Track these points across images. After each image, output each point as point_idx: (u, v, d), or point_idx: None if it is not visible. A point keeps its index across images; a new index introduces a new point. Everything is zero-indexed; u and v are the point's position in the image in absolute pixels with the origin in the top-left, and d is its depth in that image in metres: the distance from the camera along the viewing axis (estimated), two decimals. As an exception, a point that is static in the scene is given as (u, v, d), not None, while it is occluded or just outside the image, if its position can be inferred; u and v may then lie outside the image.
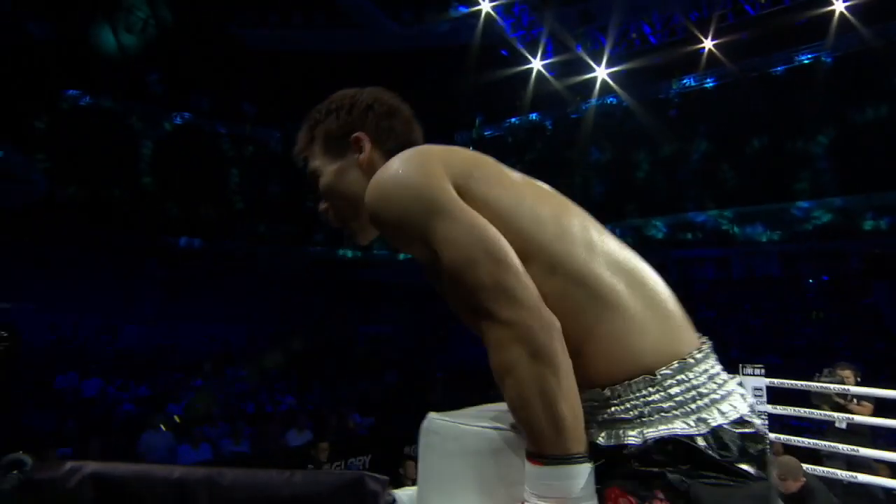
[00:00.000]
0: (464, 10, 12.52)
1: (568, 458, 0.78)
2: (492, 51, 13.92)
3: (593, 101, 15.78)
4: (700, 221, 17.25)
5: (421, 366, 13.45)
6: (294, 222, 19.75)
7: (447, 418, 1.00)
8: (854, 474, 3.49)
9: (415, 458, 6.09)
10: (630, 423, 0.85)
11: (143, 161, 16.00)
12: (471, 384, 11.22)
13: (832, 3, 11.73)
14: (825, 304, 15.51)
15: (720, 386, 0.87)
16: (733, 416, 0.84)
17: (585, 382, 0.86)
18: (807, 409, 3.93)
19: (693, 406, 0.84)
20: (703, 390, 0.86)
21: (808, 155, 15.14)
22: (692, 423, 0.82)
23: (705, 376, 0.87)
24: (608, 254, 0.93)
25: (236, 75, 16.72)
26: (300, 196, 20.37)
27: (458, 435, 0.96)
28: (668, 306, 0.93)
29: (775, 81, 15.18)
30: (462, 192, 0.88)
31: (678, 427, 0.82)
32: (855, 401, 3.96)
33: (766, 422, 3.64)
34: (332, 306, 17.62)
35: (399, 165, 0.89)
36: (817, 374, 4.35)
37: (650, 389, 0.85)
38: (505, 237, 0.85)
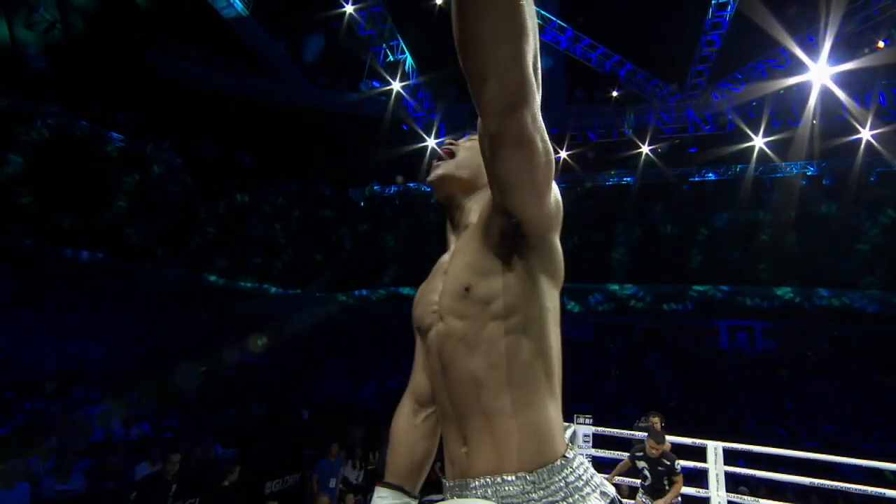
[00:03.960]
0: (376, 86, 12.68)
1: None
2: (394, 124, 14.21)
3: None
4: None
5: (289, 400, 12.18)
6: (179, 245, 17.51)
7: None
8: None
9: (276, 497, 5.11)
10: None
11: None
12: (334, 423, 10.41)
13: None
14: (619, 365, 17.57)
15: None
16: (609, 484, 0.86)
17: (508, 463, 0.81)
18: (621, 453, 4.26)
19: (595, 481, 0.83)
20: (588, 464, 0.86)
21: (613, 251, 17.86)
22: (599, 498, 0.81)
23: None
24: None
25: (146, 96, 14.85)
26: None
27: None
28: None
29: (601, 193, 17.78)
30: None
31: None
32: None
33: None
34: (207, 332, 15.48)
35: None
36: (637, 421, 4.77)
37: (566, 471, 0.81)
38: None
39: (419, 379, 1.11)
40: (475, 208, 1.03)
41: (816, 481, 2.80)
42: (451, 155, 1.08)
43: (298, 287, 21.66)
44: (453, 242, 1.05)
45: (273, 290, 21.38)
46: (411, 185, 19.22)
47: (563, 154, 14.15)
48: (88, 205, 14.71)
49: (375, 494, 1.04)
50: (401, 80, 12.41)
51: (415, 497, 1.04)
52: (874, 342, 16.49)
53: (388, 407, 14.35)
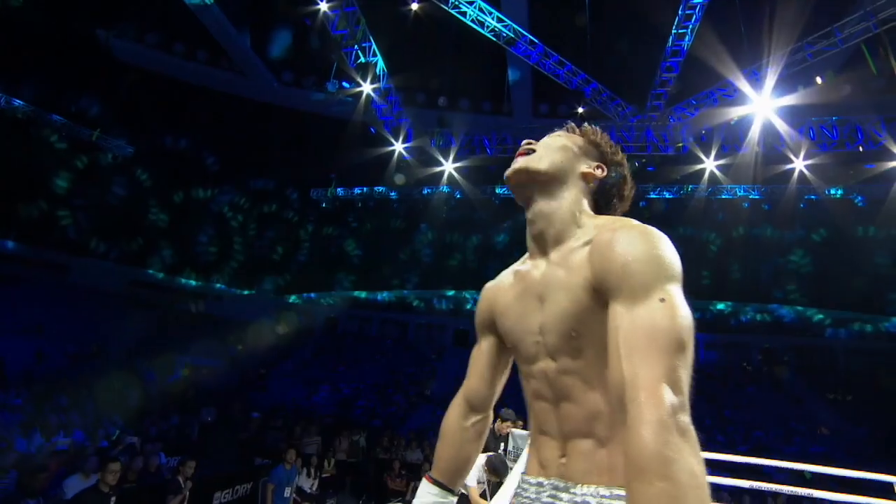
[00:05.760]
0: (346, 86, 12.46)
1: None
2: (360, 126, 14.04)
3: (443, 188, 16.93)
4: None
5: (239, 406, 11.67)
6: (123, 238, 16.45)
7: None
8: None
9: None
10: None
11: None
12: (287, 430, 10.06)
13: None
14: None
15: None
16: None
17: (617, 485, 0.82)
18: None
19: None
20: None
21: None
22: None
23: None
24: None
25: (97, 80, 13.89)
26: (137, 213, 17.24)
27: None
28: None
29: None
30: None
31: None
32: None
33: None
34: (152, 331, 14.53)
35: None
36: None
37: None
38: None
39: (473, 384, 1.13)
40: (561, 217, 0.97)
41: (755, 484, 3.06)
42: (529, 153, 1.03)
43: (252, 287, 20.87)
44: (538, 256, 1.00)
45: (223, 288, 20.46)
46: (376, 188, 19.04)
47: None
48: (12, 190, 13.52)
49: (423, 488, 1.07)
50: (371, 83, 12.28)
51: (454, 493, 1.08)
52: (796, 354, 18.06)
53: (342, 414, 14.09)
